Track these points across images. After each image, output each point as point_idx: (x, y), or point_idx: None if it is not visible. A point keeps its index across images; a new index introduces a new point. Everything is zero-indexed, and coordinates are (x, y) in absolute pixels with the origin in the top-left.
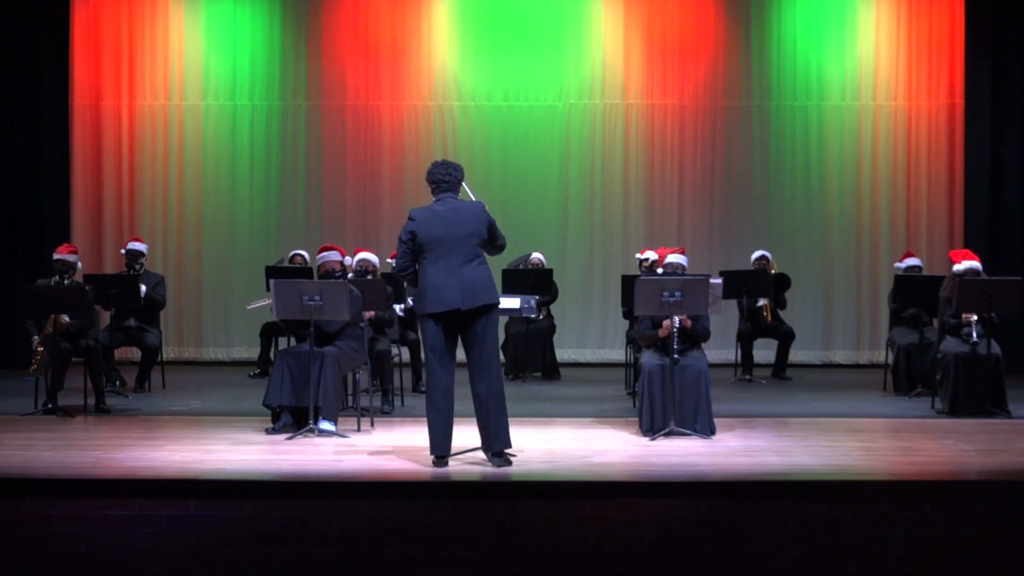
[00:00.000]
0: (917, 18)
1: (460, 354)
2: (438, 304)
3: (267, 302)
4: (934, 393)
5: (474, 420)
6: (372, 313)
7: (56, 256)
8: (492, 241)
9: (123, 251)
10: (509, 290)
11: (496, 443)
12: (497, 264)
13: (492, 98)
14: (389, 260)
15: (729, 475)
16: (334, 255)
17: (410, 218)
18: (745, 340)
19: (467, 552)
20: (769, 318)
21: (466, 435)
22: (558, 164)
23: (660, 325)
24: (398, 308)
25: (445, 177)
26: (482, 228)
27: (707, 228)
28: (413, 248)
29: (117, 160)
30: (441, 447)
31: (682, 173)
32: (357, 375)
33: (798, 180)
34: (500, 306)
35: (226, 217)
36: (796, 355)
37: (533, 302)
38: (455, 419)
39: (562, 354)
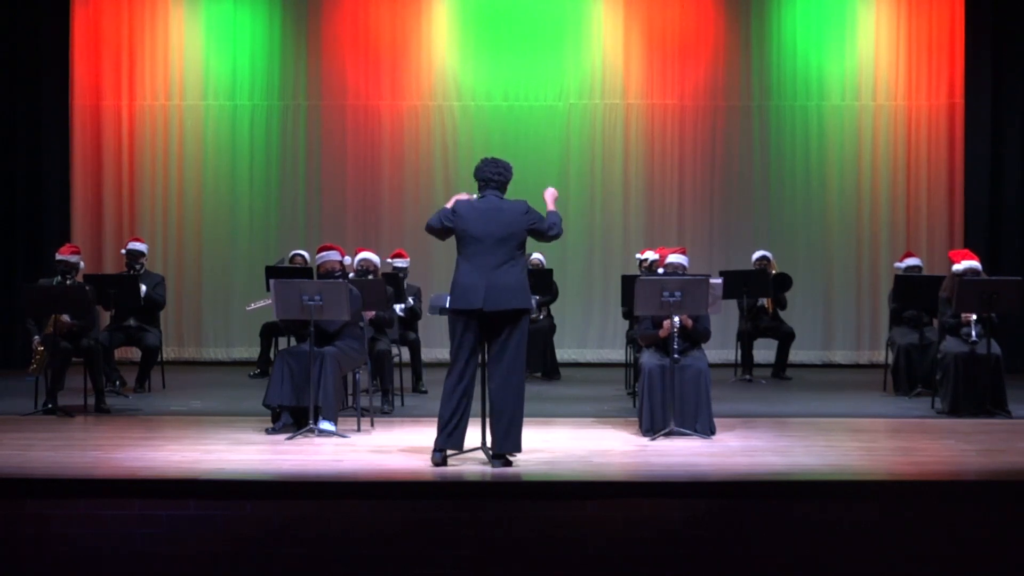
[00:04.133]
0: (917, 18)
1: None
2: (462, 302)
3: (266, 303)
4: (934, 393)
5: (478, 421)
6: (372, 313)
7: (59, 257)
8: (540, 236)
9: (123, 251)
10: None
11: (501, 445)
12: None
13: (492, 98)
14: (389, 260)
15: (729, 475)
16: (334, 255)
17: (453, 211)
18: (745, 340)
19: (467, 552)
20: (770, 310)
21: (468, 435)
22: (558, 164)
23: (660, 325)
24: (398, 308)
25: (494, 176)
26: (521, 230)
27: (707, 228)
28: (445, 229)
29: (117, 160)
30: (443, 443)
31: (682, 173)
32: (357, 375)
33: (798, 180)
34: None
35: (226, 217)
36: (796, 355)
37: (533, 302)
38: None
39: (562, 354)
